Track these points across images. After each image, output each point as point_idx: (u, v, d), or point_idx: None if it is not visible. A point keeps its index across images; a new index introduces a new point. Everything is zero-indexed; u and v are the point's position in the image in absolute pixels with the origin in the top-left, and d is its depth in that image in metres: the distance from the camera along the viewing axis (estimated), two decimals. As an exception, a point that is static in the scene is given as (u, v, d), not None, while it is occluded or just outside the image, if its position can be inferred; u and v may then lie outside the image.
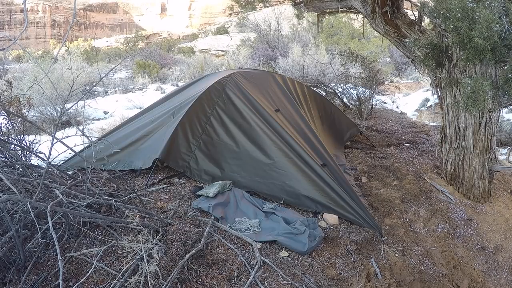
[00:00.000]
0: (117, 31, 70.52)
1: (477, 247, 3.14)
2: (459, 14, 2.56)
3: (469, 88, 2.68)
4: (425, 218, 3.25)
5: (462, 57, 2.87)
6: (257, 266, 2.21)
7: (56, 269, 1.99)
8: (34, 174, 2.40)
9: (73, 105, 2.51)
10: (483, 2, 2.48)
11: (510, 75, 2.63)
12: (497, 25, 2.50)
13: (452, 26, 2.63)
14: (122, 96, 9.53)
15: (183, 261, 2.08)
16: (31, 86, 4.16)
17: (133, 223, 2.13)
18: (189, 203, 2.84)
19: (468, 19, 2.53)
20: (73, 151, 2.41)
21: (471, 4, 2.51)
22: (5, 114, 2.68)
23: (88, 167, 2.33)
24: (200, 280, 2.07)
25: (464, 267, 2.93)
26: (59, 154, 2.48)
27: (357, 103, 6.68)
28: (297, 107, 3.92)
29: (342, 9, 4.59)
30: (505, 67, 2.72)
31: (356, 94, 6.87)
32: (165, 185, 3.09)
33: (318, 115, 4.71)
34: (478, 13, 2.47)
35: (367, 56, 7.93)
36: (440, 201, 3.51)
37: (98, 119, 6.98)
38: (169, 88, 10.77)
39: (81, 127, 5.16)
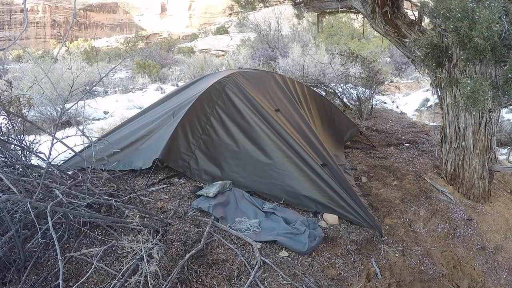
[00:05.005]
0: (117, 31, 70.47)
1: (477, 247, 3.14)
2: (459, 14, 2.56)
3: (469, 88, 2.68)
4: (425, 218, 3.25)
5: (462, 57, 2.87)
6: (257, 266, 2.21)
7: (56, 269, 1.99)
8: (34, 174, 2.40)
9: (73, 105, 2.51)
10: (483, 2, 2.48)
11: (510, 75, 2.63)
12: (497, 25, 2.50)
13: (452, 26, 2.63)
14: (122, 96, 9.53)
15: (183, 261, 2.08)
16: (31, 86, 4.15)
17: (133, 223, 2.13)
18: (189, 203, 2.84)
19: (468, 19, 2.53)
20: (73, 151, 2.41)
21: (471, 4, 2.51)
22: (5, 114, 2.68)
23: (88, 167, 2.33)
24: (200, 280, 2.07)
25: (464, 267, 2.93)
26: (59, 154, 2.48)
27: (357, 103, 6.68)
28: (297, 107, 3.92)
29: (342, 9, 4.59)
30: (505, 67, 2.72)
31: (356, 94, 6.87)
32: (165, 185, 3.09)
33: (318, 115, 4.71)
34: (478, 13, 2.47)
35: (367, 56, 7.93)
36: (440, 201, 3.51)
37: (98, 119, 6.97)
38: (169, 88, 10.77)
39: (81, 127, 5.16)
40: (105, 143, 3.14)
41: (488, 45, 2.56)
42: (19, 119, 2.81)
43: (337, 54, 7.56)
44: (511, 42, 2.65)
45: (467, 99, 2.70)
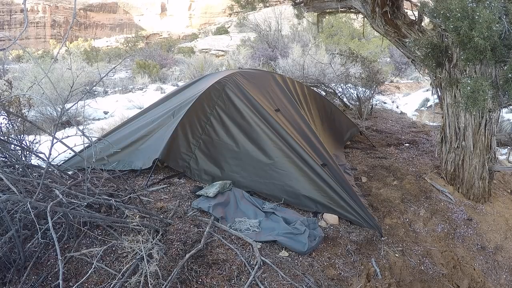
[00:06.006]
0: (117, 31, 70.46)
1: (477, 247, 3.14)
2: (459, 14, 2.56)
3: (469, 88, 2.68)
4: (425, 218, 3.25)
5: (462, 57, 2.87)
6: (257, 266, 2.21)
7: (56, 269, 1.99)
8: (34, 174, 2.40)
9: (73, 105, 2.51)
10: (483, 2, 2.48)
11: (510, 75, 2.63)
12: (497, 25, 2.50)
13: (452, 26, 2.63)
14: (122, 96, 9.53)
15: (183, 261, 2.08)
16: (31, 86, 4.14)
17: (133, 223, 2.13)
18: (189, 203, 2.84)
19: (468, 19, 2.53)
20: (73, 151, 2.41)
21: (471, 4, 2.51)
22: (5, 114, 2.68)
23: (88, 167, 2.33)
24: (200, 280, 2.07)
25: (464, 267, 2.93)
26: (59, 154, 2.48)
27: (357, 103, 6.68)
28: (297, 107, 3.92)
29: (342, 9, 4.59)
30: (505, 67, 2.72)
31: (356, 94, 6.87)
32: (165, 185, 3.09)
33: (318, 115, 4.71)
34: (478, 13, 2.47)
35: (367, 56, 7.93)
36: (440, 201, 3.51)
37: (98, 119, 6.97)
38: (169, 88, 10.76)
39: (81, 127, 5.15)
40: (105, 143, 3.14)
41: (488, 45, 2.56)
42: (19, 119, 2.81)
43: (337, 54, 7.56)
44: (511, 42, 2.65)
45: (467, 99, 2.70)
